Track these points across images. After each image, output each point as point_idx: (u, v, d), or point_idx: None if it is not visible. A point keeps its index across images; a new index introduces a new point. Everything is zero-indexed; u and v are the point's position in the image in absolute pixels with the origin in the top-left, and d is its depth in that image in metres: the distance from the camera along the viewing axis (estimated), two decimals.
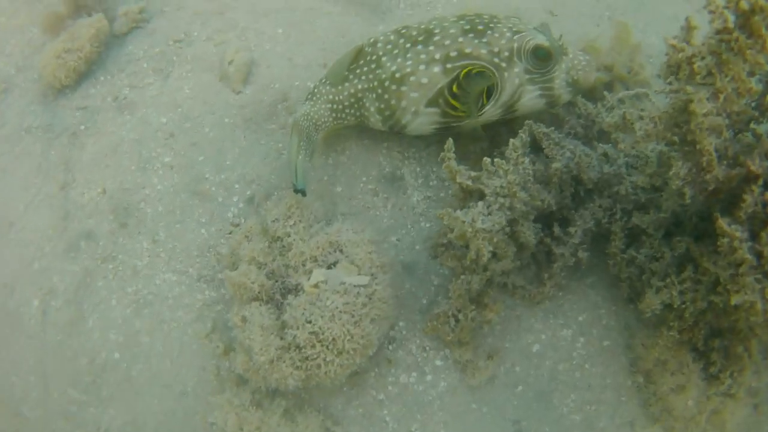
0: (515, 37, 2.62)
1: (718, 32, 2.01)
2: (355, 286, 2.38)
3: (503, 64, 2.60)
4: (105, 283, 2.89)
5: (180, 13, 3.56)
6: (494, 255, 2.40)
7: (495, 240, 2.32)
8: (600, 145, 2.78)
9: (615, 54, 3.40)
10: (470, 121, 2.72)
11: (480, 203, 2.32)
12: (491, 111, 2.70)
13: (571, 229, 2.58)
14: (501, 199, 2.32)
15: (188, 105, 3.18)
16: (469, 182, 2.46)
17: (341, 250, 2.51)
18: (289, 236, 2.62)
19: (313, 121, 2.81)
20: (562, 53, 2.73)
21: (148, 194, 3.00)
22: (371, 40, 2.84)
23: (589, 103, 2.97)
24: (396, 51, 2.72)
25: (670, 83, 2.17)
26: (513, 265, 2.49)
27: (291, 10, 3.41)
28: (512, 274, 2.59)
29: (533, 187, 2.52)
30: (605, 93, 3.04)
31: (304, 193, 2.70)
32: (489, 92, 2.61)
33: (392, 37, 2.79)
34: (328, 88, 2.82)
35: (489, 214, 2.35)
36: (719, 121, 2.08)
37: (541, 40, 2.62)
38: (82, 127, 3.30)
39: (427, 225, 2.81)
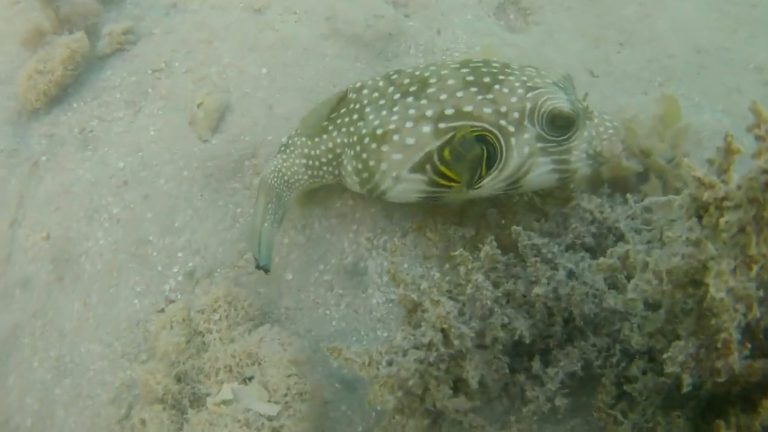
0: (529, 95, 2.09)
1: (764, 172, 1.41)
2: (261, 415, 1.96)
3: (511, 128, 2.09)
4: (31, 340, 2.62)
5: (167, 39, 3.21)
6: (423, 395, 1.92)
7: (403, 387, 1.82)
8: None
9: (656, 136, 2.73)
10: (462, 194, 2.18)
11: (399, 335, 1.83)
12: (490, 184, 2.15)
13: (551, 371, 2.00)
14: (430, 333, 1.82)
15: (150, 150, 2.84)
16: (414, 297, 1.95)
17: (260, 364, 2.09)
18: (211, 333, 2.22)
19: (285, 178, 2.36)
20: (585, 118, 2.16)
21: (90, 248, 2.68)
22: (357, 85, 2.35)
23: (605, 204, 2.35)
24: (382, 101, 2.22)
25: (690, 229, 1.58)
26: (468, 404, 1.99)
27: (283, 48, 2.97)
28: (470, 410, 2.09)
29: (500, 312, 1.99)
30: (628, 197, 2.41)
31: (267, 270, 2.27)
32: (489, 162, 2.11)
33: (381, 84, 2.29)
34: (303, 140, 2.36)
35: (404, 353, 1.85)
36: (749, 291, 1.48)
37: (561, 102, 2.08)
38: (44, 158, 3.03)
39: (385, 335, 2.32)
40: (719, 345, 1.50)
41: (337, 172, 2.34)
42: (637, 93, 3.07)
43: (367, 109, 2.25)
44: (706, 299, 1.50)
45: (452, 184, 2.15)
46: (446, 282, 2.01)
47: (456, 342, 1.82)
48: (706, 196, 1.49)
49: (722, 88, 3.12)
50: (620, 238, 2.32)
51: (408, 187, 2.21)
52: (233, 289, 2.26)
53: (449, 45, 2.99)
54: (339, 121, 2.31)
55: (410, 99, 2.17)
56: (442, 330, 1.86)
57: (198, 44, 3.11)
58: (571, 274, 2.08)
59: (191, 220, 2.63)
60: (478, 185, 2.15)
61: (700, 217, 1.53)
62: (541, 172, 2.16)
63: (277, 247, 2.48)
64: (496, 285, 2.04)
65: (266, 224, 2.32)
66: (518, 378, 2.03)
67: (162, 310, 2.47)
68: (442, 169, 2.11)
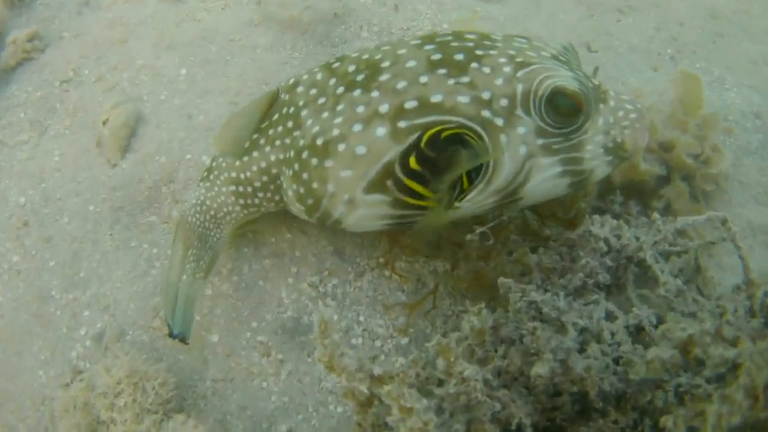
0: (519, 74, 1.54)
1: None
2: None
3: (498, 122, 1.53)
4: None
5: (77, 43, 2.67)
6: None
7: None
8: (635, 311, 1.63)
9: (678, 126, 2.18)
10: (441, 217, 1.59)
11: None
12: (478, 200, 1.60)
13: None
14: None
15: (53, 180, 2.33)
16: (365, 389, 1.43)
17: None
18: (114, 425, 1.75)
19: (211, 213, 1.83)
20: (598, 100, 1.60)
21: None
22: (291, 82, 1.79)
23: (621, 227, 1.79)
24: (322, 100, 1.66)
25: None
26: None
27: (205, 42, 2.41)
28: None
29: (489, 401, 1.47)
30: (655, 216, 1.85)
31: (183, 341, 1.78)
32: (473, 170, 1.52)
33: (319, 77, 1.72)
34: (229, 161, 1.80)
35: None
36: None
37: (564, 79, 1.53)
38: None
39: (339, 410, 1.83)
40: None
41: (277, 197, 1.80)
42: (646, 69, 2.50)
43: (304, 113, 1.68)
44: None
45: (425, 203, 1.57)
46: (416, 368, 1.47)
47: None
48: None
49: (744, 60, 2.54)
50: (643, 267, 1.80)
51: (367, 212, 1.65)
52: (139, 366, 1.77)
53: (410, 23, 2.43)
54: (271, 131, 1.75)
55: (357, 92, 1.62)
56: None
57: (110, 46, 2.57)
58: (583, 334, 1.57)
59: (99, 267, 2.13)
60: (460, 202, 1.57)
61: None
62: (545, 178, 1.60)
63: (199, 301, 1.99)
64: (482, 362, 1.52)
65: (185, 278, 1.81)
66: None
67: (68, 385, 2.01)
68: (409, 183, 1.55)
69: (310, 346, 1.87)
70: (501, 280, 1.57)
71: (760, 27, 2.66)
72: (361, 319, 1.88)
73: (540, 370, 1.43)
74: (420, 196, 1.57)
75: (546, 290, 1.74)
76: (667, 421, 1.35)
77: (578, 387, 1.48)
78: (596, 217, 1.78)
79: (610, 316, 1.66)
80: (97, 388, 1.81)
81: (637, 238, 1.79)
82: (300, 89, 1.74)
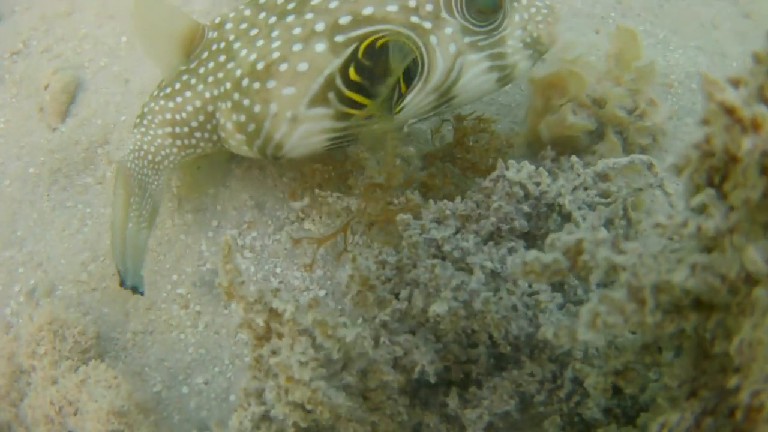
0: None
1: None
2: None
3: (426, 25, 1.69)
4: None
5: (27, 16, 2.73)
6: None
7: None
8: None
9: (612, 81, 2.15)
10: (383, 123, 1.72)
11: (239, 410, 1.30)
12: (416, 102, 1.75)
13: (472, 413, 1.42)
14: (285, 409, 1.24)
15: None
16: (260, 322, 1.40)
17: (79, 415, 1.64)
18: (34, 372, 1.78)
19: (149, 158, 1.86)
20: None
21: None
22: (217, 21, 1.86)
23: (541, 173, 1.77)
24: (254, 31, 1.76)
25: (699, 209, 0.95)
26: None
27: None
28: None
29: (388, 343, 1.45)
30: (573, 159, 1.84)
31: (139, 291, 1.79)
32: (409, 74, 1.68)
33: (248, 13, 1.81)
34: (162, 103, 1.84)
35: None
36: None
37: None
38: None
39: None
40: (740, 413, 0.88)
41: (215, 137, 1.86)
42: (588, 32, 2.48)
43: (236, 45, 1.78)
44: (717, 334, 0.92)
45: (365, 113, 1.70)
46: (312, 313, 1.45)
47: (327, 415, 1.29)
48: (747, 145, 0.80)
49: (693, 23, 2.51)
50: (567, 219, 1.78)
51: (310, 128, 1.74)
52: (60, 314, 1.80)
53: None
54: (201, 70, 1.81)
55: (291, 17, 1.73)
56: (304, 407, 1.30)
57: (56, 18, 2.63)
58: (494, 277, 1.54)
59: (35, 227, 2.17)
60: (400, 106, 1.71)
61: (718, 186, 0.90)
62: (475, 73, 1.76)
63: None
64: (381, 303, 1.50)
65: (131, 225, 1.82)
66: (429, 420, 1.51)
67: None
68: (350, 94, 1.68)
69: None
70: (400, 216, 1.56)
71: None
72: (278, 270, 1.89)
73: (438, 308, 1.39)
74: (361, 106, 1.69)
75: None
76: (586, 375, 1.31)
77: (481, 328, 1.46)
78: (512, 161, 1.76)
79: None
80: (21, 339, 1.85)
81: (557, 182, 1.77)
82: (229, 26, 1.83)
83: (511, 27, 1.77)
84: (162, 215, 2.02)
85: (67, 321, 1.82)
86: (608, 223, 1.86)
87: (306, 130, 1.75)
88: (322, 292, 1.87)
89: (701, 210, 0.91)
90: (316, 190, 1.82)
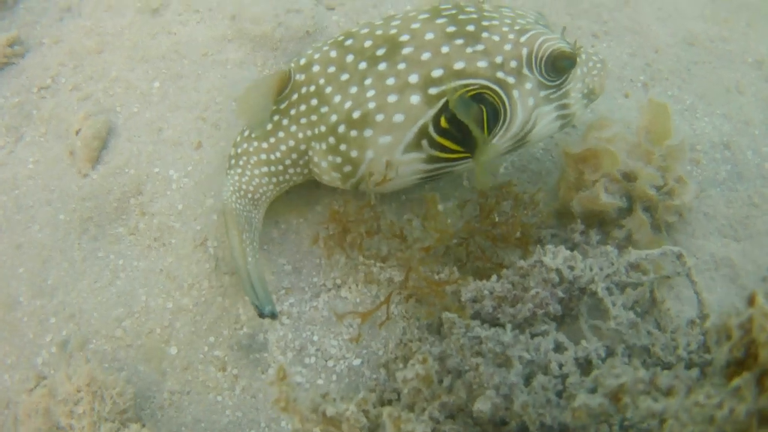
0: (522, 39, 1.86)
1: None
2: None
3: (510, 80, 1.84)
4: None
5: (55, 50, 2.70)
6: None
7: None
8: (584, 344, 1.66)
9: (642, 156, 2.19)
10: (487, 159, 1.90)
11: None
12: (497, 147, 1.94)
13: None
14: None
15: (26, 187, 2.38)
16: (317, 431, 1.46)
17: None
18: (73, 431, 1.81)
19: (249, 196, 1.97)
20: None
21: None
22: (303, 63, 1.93)
23: (575, 257, 1.82)
24: (345, 76, 1.85)
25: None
26: None
27: (178, 56, 2.45)
28: None
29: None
30: (608, 249, 1.89)
31: (274, 316, 1.85)
32: (490, 122, 1.84)
33: (334, 54, 1.89)
34: (256, 144, 1.95)
35: None
36: None
37: (559, 42, 1.88)
38: None
39: (290, 427, 1.87)
40: None
41: (306, 170, 2.02)
42: (617, 95, 2.52)
43: (328, 90, 1.87)
44: None
45: (454, 155, 1.87)
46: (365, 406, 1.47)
47: None
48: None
49: (719, 87, 2.55)
50: (596, 298, 1.83)
51: (404, 170, 1.90)
52: (99, 375, 1.83)
53: None
54: (293, 111, 1.92)
55: (383, 66, 1.84)
56: None
57: (87, 55, 2.61)
58: (530, 367, 1.59)
59: (66, 276, 2.18)
60: (486, 151, 1.87)
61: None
62: (546, 123, 1.94)
63: (160, 313, 2.04)
64: (429, 399, 1.53)
65: (250, 259, 1.90)
66: None
67: (32, 390, 2.07)
68: (441, 141, 1.83)
69: (264, 363, 1.92)
70: (445, 315, 1.61)
71: (737, 54, 2.66)
72: (315, 338, 1.92)
73: (482, 406, 1.47)
74: (450, 150, 1.86)
75: (496, 321, 1.77)
76: None
77: (518, 421, 1.52)
78: (549, 247, 1.82)
79: (559, 348, 1.70)
80: (58, 395, 1.87)
81: (591, 269, 1.82)
82: (316, 68, 1.92)
83: (574, 81, 1.96)
84: (199, 276, 2.05)
85: (105, 382, 1.84)
86: (634, 304, 1.94)
87: (400, 172, 1.90)
88: (357, 361, 1.91)
89: (736, 392, 0.97)
90: (360, 257, 1.85)
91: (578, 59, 1.96)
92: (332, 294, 2.00)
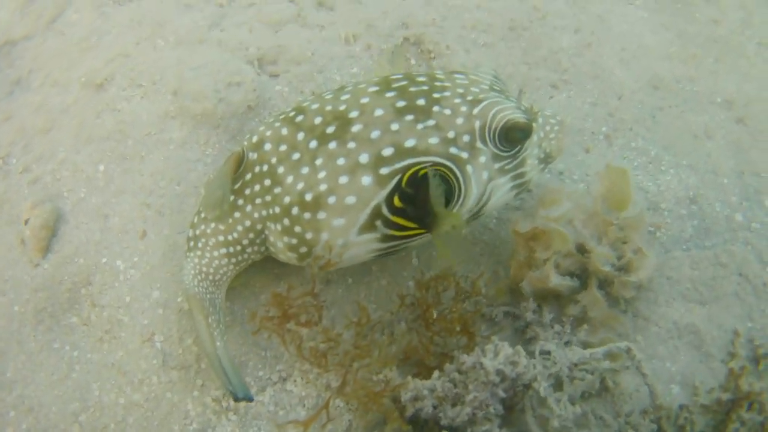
0: (475, 112, 1.80)
1: None
2: None
3: (464, 155, 1.79)
4: None
5: (6, 127, 2.67)
6: None
7: None
8: None
9: (598, 225, 2.10)
10: (425, 238, 1.88)
11: None
12: None
13: None
14: None
15: None
16: None
17: None
18: None
19: (210, 278, 1.96)
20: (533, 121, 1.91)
21: None
22: (255, 140, 1.89)
23: (519, 353, 1.75)
24: (296, 156, 1.81)
25: None
26: None
27: (122, 136, 2.40)
28: None
29: None
30: (550, 347, 1.84)
31: (250, 399, 1.86)
32: (446, 197, 1.77)
33: (285, 132, 1.84)
34: (213, 226, 1.93)
35: None
36: None
37: (513, 112, 1.80)
38: None
39: None
40: None
41: (264, 248, 1.98)
42: (578, 150, 2.41)
43: (280, 170, 1.83)
44: None
45: (409, 233, 1.82)
46: None
47: None
48: None
49: (685, 134, 2.43)
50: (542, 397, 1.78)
51: (358, 251, 1.87)
52: None
53: None
54: (248, 191, 1.88)
55: (333, 145, 1.79)
56: None
57: (35, 134, 2.58)
58: None
59: (23, 369, 2.20)
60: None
61: None
62: (501, 194, 1.90)
63: (113, 408, 2.05)
64: None
65: (219, 344, 1.90)
66: None
67: None
68: (395, 219, 1.78)
69: None
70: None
71: (705, 94, 2.52)
72: None
73: None
74: (406, 228, 1.81)
75: (438, 421, 1.74)
76: None
77: None
78: (490, 347, 1.77)
79: None
80: None
81: (534, 366, 1.77)
82: (268, 146, 1.87)
83: (531, 147, 1.89)
84: (148, 371, 2.05)
85: None
86: (583, 394, 1.88)
87: (355, 252, 1.86)
88: None
89: None
90: (301, 362, 1.83)
91: (534, 126, 1.88)
92: (278, 387, 1.99)
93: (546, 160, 1.95)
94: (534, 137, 1.89)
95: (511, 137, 1.81)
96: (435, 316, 1.83)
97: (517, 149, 1.85)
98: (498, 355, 1.75)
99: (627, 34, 2.58)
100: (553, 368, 1.74)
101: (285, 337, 1.91)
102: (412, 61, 2.43)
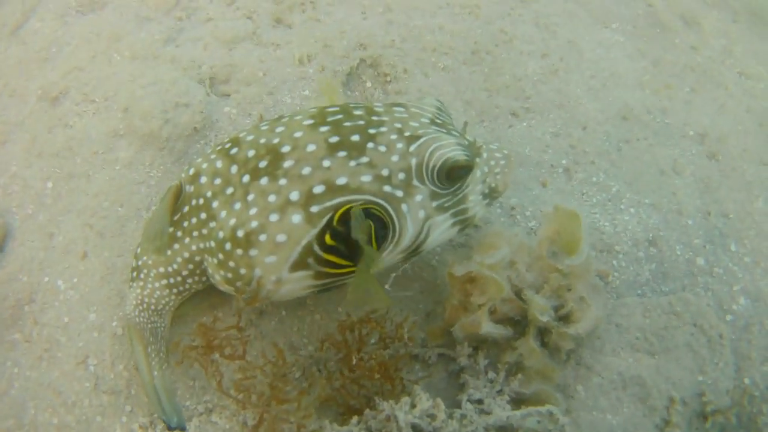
0: (412, 149, 1.74)
1: None
2: None
3: (398, 194, 1.74)
4: None
5: None
6: None
7: None
8: None
9: (542, 271, 2.01)
10: (367, 276, 1.78)
11: None
12: (388, 259, 1.83)
13: None
14: None
15: None
16: None
17: None
18: None
19: (152, 308, 1.99)
20: (475, 155, 1.85)
21: None
22: (191, 173, 1.88)
23: (438, 405, 1.71)
24: (230, 190, 1.79)
25: None
26: None
27: (71, 153, 2.38)
28: None
29: None
30: (467, 407, 1.77)
31: (183, 429, 1.91)
32: (379, 236, 1.73)
33: (219, 165, 1.82)
34: (154, 258, 1.94)
35: None
36: None
37: (453, 150, 1.74)
38: None
39: None
40: None
41: (204, 278, 1.97)
42: (533, 184, 2.31)
43: (215, 204, 1.81)
44: None
45: (342, 270, 1.78)
46: None
47: None
48: None
49: (652, 170, 2.30)
50: None
51: (293, 286, 1.83)
52: None
53: None
54: (186, 224, 1.88)
55: (264, 181, 1.75)
56: None
57: None
58: None
59: None
60: (375, 264, 1.77)
61: None
62: (441, 231, 1.84)
63: (45, 428, 2.07)
64: None
65: (156, 373, 1.96)
66: None
67: None
68: (327, 257, 1.74)
69: None
70: None
71: (677, 127, 2.38)
72: None
73: None
74: (338, 266, 1.77)
75: None
76: None
77: None
78: (405, 399, 1.72)
79: None
80: None
81: (454, 420, 1.72)
82: (203, 179, 1.85)
83: (473, 184, 1.84)
84: (80, 393, 2.06)
85: None
86: None
87: (290, 288, 1.83)
88: None
89: None
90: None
91: (476, 162, 1.81)
92: (203, 418, 1.97)
93: (491, 195, 1.89)
94: (477, 173, 1.84)
95: (450, 175, 1.75)
96: (354, 361, 1.78)
97: (456, 186, 1.80)
98: (415, 407, 1.71)
99: (599, 61, 2.44)
100: (469, 427, 1.68)
101: (209, 368, 1.90)
102: (368, 84, 2.35)
